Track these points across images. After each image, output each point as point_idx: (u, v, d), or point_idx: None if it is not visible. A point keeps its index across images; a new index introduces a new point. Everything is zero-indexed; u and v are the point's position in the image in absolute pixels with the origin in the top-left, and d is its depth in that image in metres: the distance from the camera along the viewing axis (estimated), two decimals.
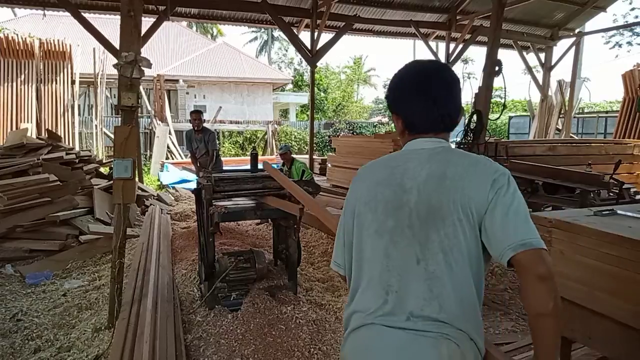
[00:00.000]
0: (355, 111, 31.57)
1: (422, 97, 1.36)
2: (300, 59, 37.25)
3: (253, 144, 17.83)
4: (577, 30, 11.95)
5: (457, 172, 1.25)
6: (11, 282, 4.77)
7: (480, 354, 1.25)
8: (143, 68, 3.31)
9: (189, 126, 16.82)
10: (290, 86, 30.29)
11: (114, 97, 19.79)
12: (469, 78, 33.93)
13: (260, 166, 4.27)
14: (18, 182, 5.67)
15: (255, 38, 44.83)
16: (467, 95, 40.68)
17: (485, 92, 4.74)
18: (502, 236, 1.17)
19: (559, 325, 1.15)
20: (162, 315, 3.23)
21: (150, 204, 7.31)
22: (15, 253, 5.35)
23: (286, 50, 41.76)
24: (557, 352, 1.17)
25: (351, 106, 31.21)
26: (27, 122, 11.32)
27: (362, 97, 40.41)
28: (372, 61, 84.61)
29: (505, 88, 4.67)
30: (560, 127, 13.11)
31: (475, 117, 4.71)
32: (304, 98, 28.10)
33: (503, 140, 10.58)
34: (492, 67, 4.69)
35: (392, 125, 24.07)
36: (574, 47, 11.81)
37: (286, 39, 39.67)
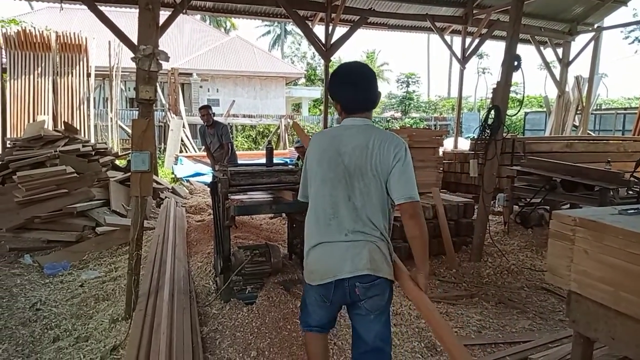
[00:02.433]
0: None
1: (352, 87, 2.06)
2: (313, 53, 37.16)
3: (266, 138, 17.84)
4: (596, 25, 11.71)
5: (374, 145, 1.99)
6: (30, 272, 4.85)
7: (389, 245, 2.08)
8: (161, 61, 3.31)
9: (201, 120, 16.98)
10: (302, 80, 30.23)
11: (129, 90, 19.95)
12: (484, 73, 33.53)
13: (275, 160, 4.27)
14: (36, 173, 5.74)
15: (269, 32, 44.84)
16: (482, 91, 40.25)
17: (503, 87, 4.65)
18: (397, 190, 1.98)
19: (425, 243, 2.03)
20: (179, 307, 3.25)
21: (166, 197, 7.37)
22: (34, 243, 5.43)
23: (299, 45, 41.70)
24: (427, 258, 2.07)
25: None
26: (44, 114, 11.44)
27: None
28: (385, 55, 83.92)
29: (524, 83, 4.59)
30: (577, 124, 12.91)
31: (492, 112, 4.64)
32: (316, 92, 28.03)
33: (519, 136, 10.46)
34: (511, 62, 4.61)
35: (406, 120, 24.00)
36: (592, 42, 11.59)
37: (300, 33, 39.55)
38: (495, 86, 4.83)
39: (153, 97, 3.25)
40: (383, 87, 39.81)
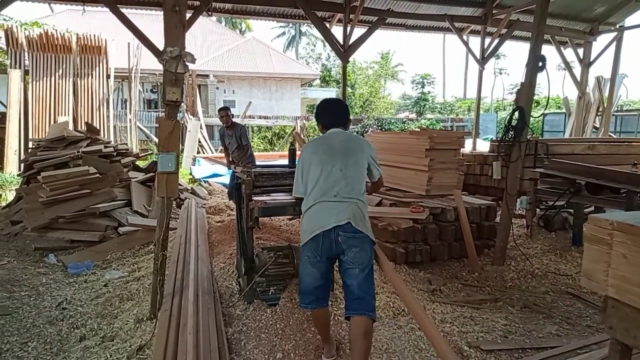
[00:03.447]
0: (382, 107, 31.33)
1: (332, 114, 2.96)
2: (328, 54, 37.14)
3: (282, 139, 17.89)
4: (618, 25, 11.51)
5: (353, 139, 2.88)
6: (54, 271, 4.92)
7: (365, 211, 2.71)
8: (187, 63, 3.33)
9: (218, 121, 17.10)
10: (317, 81, 30.23)
11: (146, 92, 20.17)
12: (501, 73, 33.12)
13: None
14: (60, 174, 5.83)
15: (283, 33, 44.96)
16: (498, 92, 39.80)
17: (528, 88, 4.59)
18: (374, 172, 2.86)
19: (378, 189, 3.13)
20: (204, 308, 3.26)
21: (186, 198, 7.42)
22: (58, 243, 5.51)
23: (314, 46, 41.69)
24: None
25: (378, 102, 30.96)
26: (64, 115, 11.62)
27: (389, 92, 40.05)
28: (399, 56, 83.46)
29: (549, 84, 4.53)
30: (597, 125, 12.69)
31: (517, 114, 4.58)
32: (331, 93, 28.00)
33: (540, 138, 10.29)
34: (536, 63, 4.55)
35: (422, 121, 23.84)
36: (614, 42, 11.38)
37: (314, 34, 39.34)
38: (517, 87, 4.77)
39: (180, 99, 3.28)
40: (397, 88, 39.63)
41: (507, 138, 4.68)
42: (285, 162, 4.38)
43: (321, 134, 3.02)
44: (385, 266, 2.82)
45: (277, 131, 18.29)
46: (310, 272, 2.66)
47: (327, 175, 2.66)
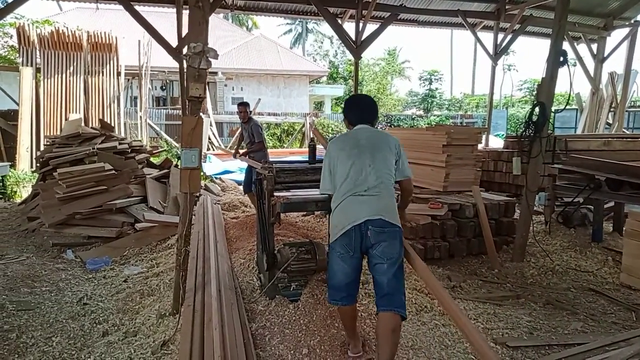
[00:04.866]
0: (390, 104, 31.22)
1: (360, 110, 2.94)
2: (335, 51, 36.99)
3: (291, 136, 17.88)
4: (633, 20, 11.37)
5: (380, 135, 2.84)
6: (73, 267, 4.94)
7: (395, 204, 2.71)
8: (210, 59, 3.32)
9: (227, 118, 17.10)
10: (324, 78, 30.17)
11: (155, 89, 20.22)
12: (510, 70, 32.80)
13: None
14: (75, 170, 5.86)
15: (290, 30, 44.85)
16: (507, 88, 39.44)
17: (549, 83, 4.54)
18: (400, 170, 2.78)
19: (410, 199, 3.03)
20: (227, 303, 3.24)
21: (200, 194, 7.42)
22: (75, 239, 5.53)
23: (321, 43, 41.54)
24: (407, 205, 3.09)
25: (386, 99, 30.85)
26: (75, 112, 11.67)
27: (396, 89, 39.89)
28: (406, 52, 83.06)
29: (570, 79, 4.47)
30: (610, 121, 12.57)
31: (537, 109, 4.53)
32: (339, 90, 27.97)
33: (557, 134, 10.21)
34: (557, 57, 4.50)
35: (431, 118, 23.73)
36: (629, 38, 11.25)
37: (321, 31, 39.10)
38: (527, 83, 4.72)
39: (203, 95, 3.26)
40: (404, 85, 39.43)
41: (527, 134, 4.64)
42: (296, 158, 4.38)
43: (346, 130, 2.99)
44: (417, 263, 2.75)
45: (285, 128, 18.26)
46: (341, 268, 2.62)
47: (357, 170, 2.63)
